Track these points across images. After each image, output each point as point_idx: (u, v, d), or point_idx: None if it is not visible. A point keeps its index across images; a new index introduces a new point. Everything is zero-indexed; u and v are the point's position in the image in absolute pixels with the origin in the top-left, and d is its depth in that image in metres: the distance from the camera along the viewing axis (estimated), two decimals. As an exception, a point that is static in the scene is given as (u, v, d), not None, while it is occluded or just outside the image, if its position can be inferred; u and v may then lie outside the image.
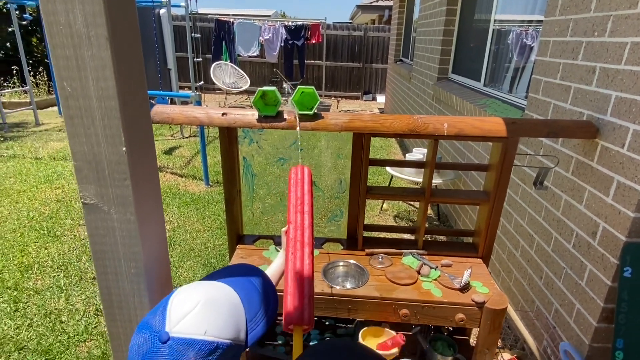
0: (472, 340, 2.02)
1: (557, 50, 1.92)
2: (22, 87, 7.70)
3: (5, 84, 8.30)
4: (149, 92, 4.95)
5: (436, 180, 3.18)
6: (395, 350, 1.57)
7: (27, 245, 2.95)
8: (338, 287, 1.61)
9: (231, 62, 8.66)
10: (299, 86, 1.47)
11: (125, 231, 0.71)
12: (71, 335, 2.13)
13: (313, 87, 1.47)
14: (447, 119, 1.55)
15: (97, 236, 0.72)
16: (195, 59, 6.06)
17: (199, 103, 4.16)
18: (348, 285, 1.67)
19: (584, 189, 1.66)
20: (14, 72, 8.28)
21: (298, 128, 1.48)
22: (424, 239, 1.87)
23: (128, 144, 0.66)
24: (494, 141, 1.66)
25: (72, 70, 0.61)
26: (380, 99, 10.65)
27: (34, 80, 8.43)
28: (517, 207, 2.26)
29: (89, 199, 0.69)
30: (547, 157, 1.96)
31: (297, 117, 1.49)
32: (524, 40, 2.85)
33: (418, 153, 3.53)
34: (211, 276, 0.78)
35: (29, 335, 2.12)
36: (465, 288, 1.59)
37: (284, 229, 1.10)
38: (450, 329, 1.96)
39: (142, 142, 0.71)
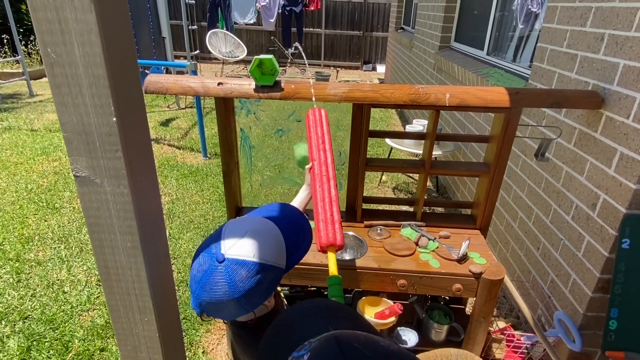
0: (468, 309, 2.06)
1: (565, 17, 1.85)
2: (14, 56, 7.50)
3: (-4, 54, 8.09)
4: (143, 61, 4.81)
5: (436, 152, 3.15)
6: (392, 319, 1.60)
7: (26, 218, 2.95)
8: (337, 258, 1.62)
9: (227, 29, 8.40)
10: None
11: (120, 204, 0.69)
12: (74, 305, 2.16)
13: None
14: (449, 88, 1.51)
15: (91, 209, 0.70)
16: (190, 27, 5.86)
17: (195, 73, 4.06)
18: (347, 256, 1.68)
19: (586, 160, 1.64)
20: (5, 41, 8.04)
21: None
22: (422, 210, 1.87)
23: (118, 114, 0.63)
24: (497, 112, 1.63)
25: (56, 34, 0.58)
26: (381, 69, 10.44)
27: (25, 49, 8.20)
28: (516, 179, 2.25)
29: (80, 172, 0.67)
30: (549, 128, 1.93)
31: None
32: (530, 7, 2.75)
33: (418, 124, 3.48)
34: (253, 212, 0.91)
35: (32, 305, 2.15)
36: (462, 259, 1.60)
37: (308, 166, 1.19)
38: (447, 298, 1.99)
39: (133, 112, 0.69)
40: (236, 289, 0.76)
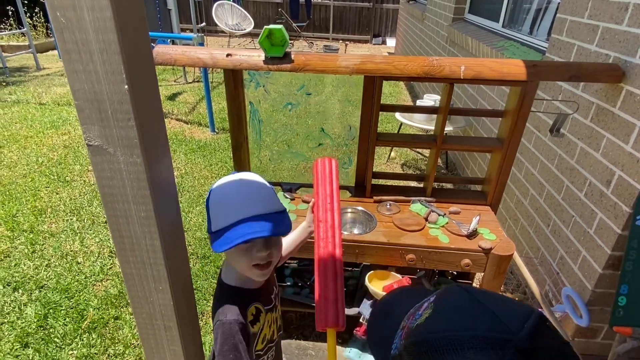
0: (475, 284, 2.08)
1: (588, -15, 1.76)
2: (20, 29, 7.43)
3: (1, 26, 8.01)
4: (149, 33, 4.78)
5: (447, 128, 3.10)
6: (400, 292, 1.61)
7: (38, 190, 3.00)
8: (346, 233, 1.62)
9: (234, 1, 8.21)
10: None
11: (133, 174, 0.69)
12: (88, 275, 2.22)
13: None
14: (464, 61, 1.47)
15: (105, 179, 0.70)
16: (196, -2, 5.75)
17: (201, 45, 4.00)
18: (356, 231, 1.69)
19: (602, 136, 1.61)
20: (10, 13, 7.95)
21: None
22: (432, 186, 1.86)
23: (130, 82, 0.62)
24: (512, 85, 1.58)
25: (64, -2, 0.56)
26: (391, 42, 10.19)
27: (30, 22, 8.11)
28: (529, 155, 2.22)
29: (93, 140, 0.66)
30: (565, 103, 1.88)
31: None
32: (550, -25, 2.63)
33: (429, 100, 3.42)
34: None
35: (47, 275, 2.21)
36: (472, 235, 1.60)
37: (310, 204, 1.08)
38: (455, 273, 2.00)
39: (145, 80, 0.67)
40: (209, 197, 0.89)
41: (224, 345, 0.87)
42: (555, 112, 1.89)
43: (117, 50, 0.59)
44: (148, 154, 0.69)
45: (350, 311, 1.80)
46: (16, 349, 1.78)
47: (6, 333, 1.86)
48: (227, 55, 1.47)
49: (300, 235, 1.15)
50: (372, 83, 1.65)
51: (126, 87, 0.62)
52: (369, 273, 1.78)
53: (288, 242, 1.14)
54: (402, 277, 1.73)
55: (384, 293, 1.61)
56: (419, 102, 3.48)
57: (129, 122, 0.64)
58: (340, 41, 10.52)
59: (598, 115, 1.64)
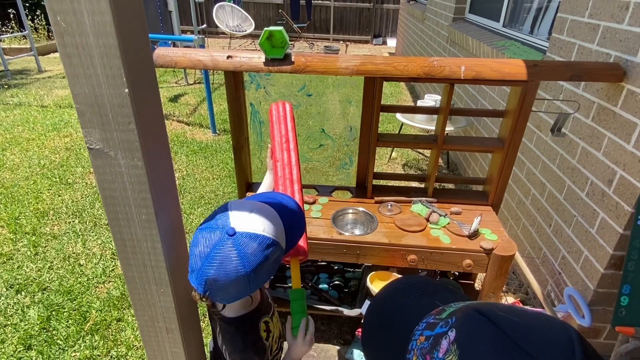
0: (477, 284, 2.07)
1: (588, -15, 1.76)
2: (21, 31, 7.46)
3: (3, 29, 8.05)
4: (150, 36, 4.78)
5: (448, 128, 3.10)
6: (402, 293, 1.61)
7: (40, 193, 3.01)
8: (347, 234, 1.63)
9: (234, 3, 8.22)
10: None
11: (134, 177, 0.69)
12: (90, 277, 2.22)
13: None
14: (465, 61, 1.47)
15: (106, 182, 0.70)
16: (196, 0, 5.74)
17: (202, 47, 4.00)
18: (357, 231, 1.69)
19: (604, 135, 1.60)
20: (11, 15, 7.98)
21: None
22: (434, 187, 1.85)
23: (130, 86, 0.62)
24: (513, 85, 1.58)
25: (65, 2, 0.56)
26: (391, 42, 10.19)
27: (32, 24, 8.14)
28: (530, 155, 2.21)
29: (94, 144, 0.66)
30: (567, 103, 1.88)
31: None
32: (550, -26, 2.63)
33: (430, 100, 3.42)
34: (250, 198, 0.87)
35: (50, 277, 2.22)
36: (474, 235, 1.59)
37: (269, 150, 1.12)
38: (456, 273, 2.00)
39: (145, 84, 0.67)
40: (247, 263, 0.73)
41: None
42: (557, 111, 1.89)
43: (118, 54, 0.60)
44: (149, 157, 0.69)
45: (352, 312, 1.80)
46: (19, 351, 1.79)
47: (9, 335, 1.86)
48: (228, 57, 1.47)
49: (269, 185, 1.15)
50: (373, 84, 1.65)
51: (126, 90, 0.62)
52: (370, 274, 1.79)
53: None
54: (404, 277, 1.72)
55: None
56: (419, 103, 3.47)
57: (129, 126, 0.65)
58: (341, 42, 10.53)
59: (599, 115, 1.64)
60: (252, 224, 0.75)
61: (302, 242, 0.95)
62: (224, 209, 0.78)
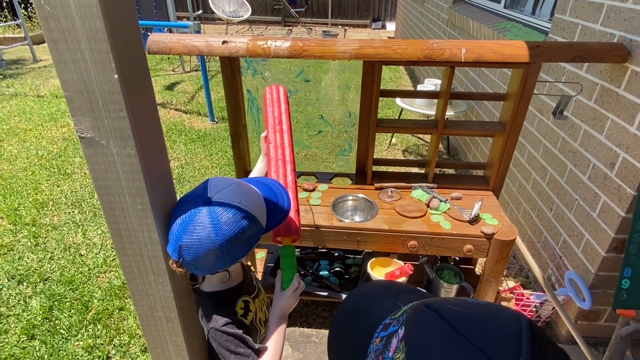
0: (478, 269, 2.08)
1: (592, -38, 1.71)
2: (14, 20, 7.34)
3: (-4, 18, 7.92)
4: (144, 22, 4.67)
5: (448, 113, 3.07)
6: (403, 279, 1.61)
7: (39, 183, 2.99)
8: (347, 221, 1.62)
9: (230, -12, 8.07)
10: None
11: (127, 166, 0.67)
12: (91, 267, 2.23)
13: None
14: (465, 43, 1.44)
15: (99, 171, 0.69)
16: (192, -15, 5.64)
17: (198, 33, 3.94)
18: (357, 218, 1.68)
19: (607, 118, 1.58)
20: (4, 4, 7.84)
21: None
22: (434, 172, 1.84)
23: (120, 71, 0.60)
24: (515, 67, 1.55)
25: (48, -16, 0.54)
26: (390, 26, 10.04)
27: (25, 13, 8.00)
28: (531, 139, 2.19)
29: (85, 132, 0.65)
30: (569, 85, 1.85)
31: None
32: (553, -48, 2.56)
33: (430, 84, 3.37)
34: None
35: (51, 268, 2.22)
36: (474, 220, 1.59)
37: (262, 134, 1.13)
38: (457, 258, 2.00)
39: (135, 69, 0.65)
40: (220, 233, 0.73)
41: (232, 346, 0.86)
42: (559, 94, 1.86)
43: (105, 38, 0.57)
44: (142, 146, 0.67)
45: (353, 298, 1.80)
46: (23, 341, 1.80)
47: (12, 325, 1.87)
48: (223, 42, 1.44)
49: (261, 169, 1.15)
50: (372, 68, 1.62)
51: (116, 76, 0.60)
52: (371, 260, 1.78)
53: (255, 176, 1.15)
54: (404, 263, 1.72)
55: (386, 280, 1.61)
56: (419, 87, 3.43)
57: (120, 113, 0.63)
58: (340, 26, 10.37)
59: (602, 97, 1.61)
60: (228, 195, 0.76)
61: (293, 223, 0.97)
62: (204, 184, 0.80)
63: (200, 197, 0.76)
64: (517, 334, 0.34)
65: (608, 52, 1.48)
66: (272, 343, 0.92)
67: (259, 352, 0.88)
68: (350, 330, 0.52)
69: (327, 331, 1.90)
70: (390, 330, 0.41)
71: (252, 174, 1.17)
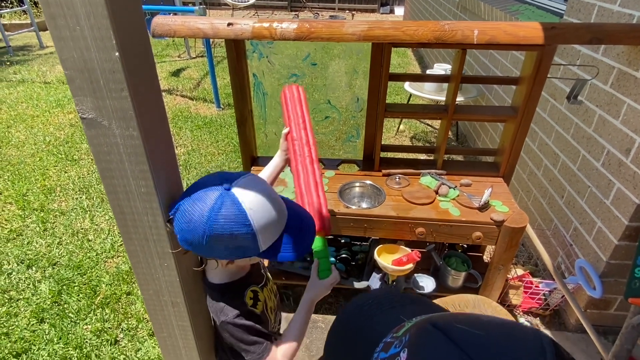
0: (486, 257, 2.06)
1: (612, -61, 1.64)
2: (21, 6, 7.31)
3: (2, 4, 7.89)
4: (149, 7, 4.62)
5: (458, 98, 3.01)
6: (410, 265, 1.60)
7: (47, 169, 3.01)
8: (354, 207, 1.60)
9: (236, -28, 7.93)
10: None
11: (130, 147, 0.66)
12: (99, 252, 2.24)
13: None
14: (478, 24, 1.39)
15: (101, 153, 0.67)
16: (197, -31, 5.56)
17: (204, 18, 3.88)
18: (364, 205, 1.66)
19: (623, 102, 1.53)
20: (10, -10, 7.81)
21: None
22: (443, 159, 1.81)
23: (121, 49, 0.58)
24: (529, 50, 1.50)
25: (44, -45, 0.51)
26: (399, 11, 9.86)
27: (31, -2, 7.96)
28: (543, 125, 2.14)
29: (86, 113, 0.63)
30: (584, 68, 1.79)
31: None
32: None
33: (439, 69, 3.31)
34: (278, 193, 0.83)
35: (59, 253, 2.24)
36: (484, 207, 1.56)
37: (284, 131, 1.13)
38: (465, 246, 1.98)
39: (137, 47, 0.63)
40: (212, 221, 0.69)
41: (245, 337, 0.86)
42: (573, 78, 1.81)
43: (105, 13, 0.55)
44: (145, 127, 0.65)
45: (360, 284, 1.80)
46: (32, 324, 1.82)
47: (22, 309, 1.90)
48: (228, 24, 1.41)
49: (277, 165, 1.16)
50: (380, 51, 1.58)
51: (117, 54, 0.58)
52: (378, 247, 1.77)
53: (268, 173, 1.15)
54: (412, 250, 1.71)
55: (393, 267, 1.60)
56: (429, 72, 3.37)
57: (122, 93, 0.61)
58: (347, 11, 10.20)
59: (619, 81, 1.56)
60: (247, 198, 0.72)
61: (326, 219, 1.00)
62: (245, 174, 0.78)
63: (228, 180, 0.73)
64: (539, 354, 0.30)
65: (627, 34, 1.42)
66: (295, 328, 0.93)
67: (272, 340, 0.88)
68: (347, 348, 0.48)
69: (334, 317, 1.90)
70: (391, 352, 0.37)
71: (267, 168, 1.15)
